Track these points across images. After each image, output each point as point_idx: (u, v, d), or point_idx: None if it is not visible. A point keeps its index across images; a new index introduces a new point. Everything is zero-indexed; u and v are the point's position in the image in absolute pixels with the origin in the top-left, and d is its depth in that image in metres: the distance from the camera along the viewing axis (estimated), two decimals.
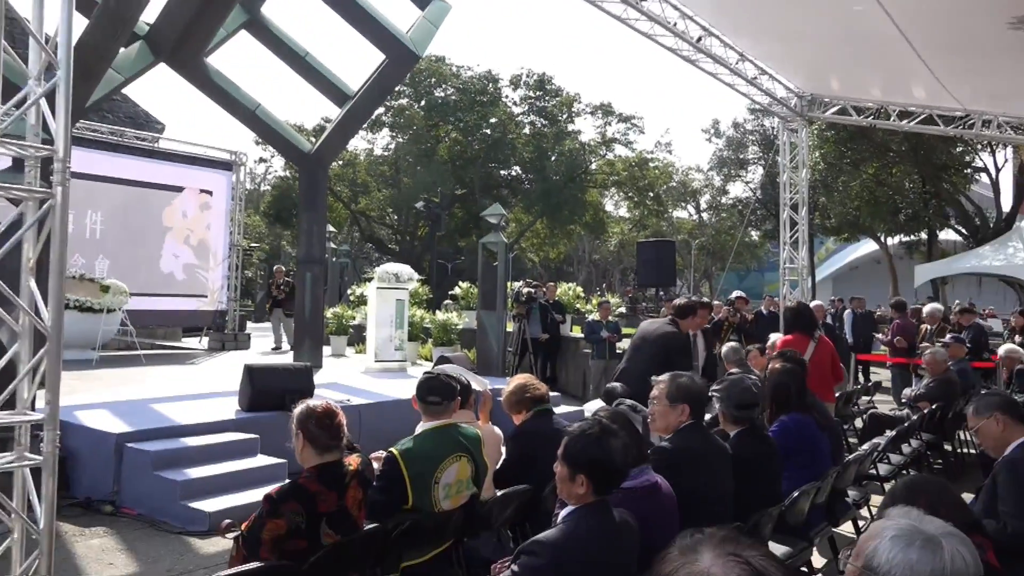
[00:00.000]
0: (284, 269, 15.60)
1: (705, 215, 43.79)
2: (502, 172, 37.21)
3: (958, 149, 23.11)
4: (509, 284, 12.32)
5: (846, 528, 5.13)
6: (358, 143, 36.99)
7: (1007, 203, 23.95)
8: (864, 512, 5.30)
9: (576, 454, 2.47)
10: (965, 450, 8.07)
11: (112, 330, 11.79)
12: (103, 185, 13.15)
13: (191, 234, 14.64)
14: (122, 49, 8.84)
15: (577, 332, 12.69)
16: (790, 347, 5.87)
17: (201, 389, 8.52)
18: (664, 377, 3.66)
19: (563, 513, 2.53)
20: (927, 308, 11.27)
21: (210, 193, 15.00)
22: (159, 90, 77.72)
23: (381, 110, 33.35)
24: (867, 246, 32.99)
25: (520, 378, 4.21)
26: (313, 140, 13.69)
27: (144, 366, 11.03)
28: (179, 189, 14.44)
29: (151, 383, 9.15)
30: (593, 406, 4.63)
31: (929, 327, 10.64)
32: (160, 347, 14.43)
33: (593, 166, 36.18)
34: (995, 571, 2.10)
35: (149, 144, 14.84)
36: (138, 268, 13.49)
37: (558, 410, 6.19)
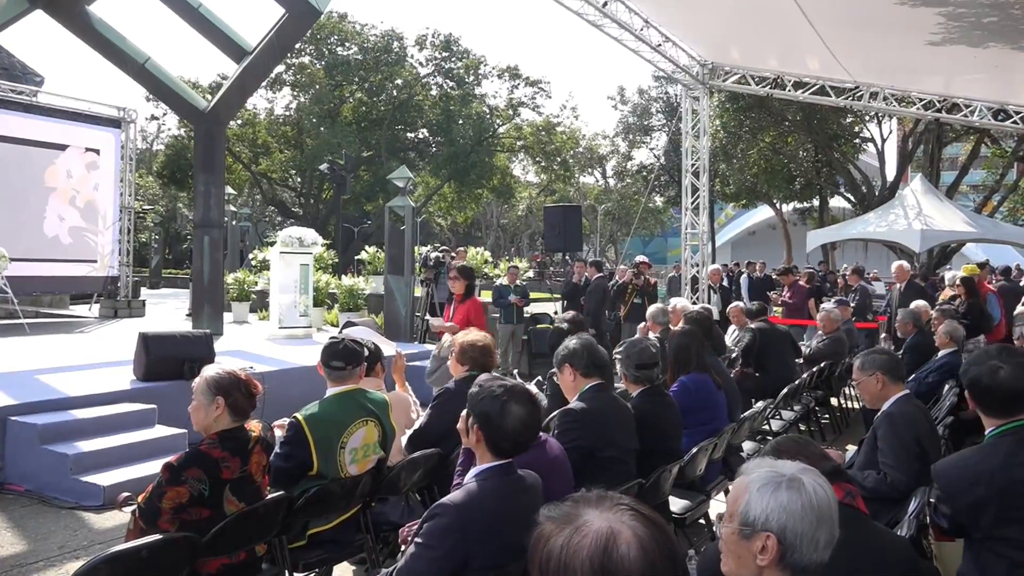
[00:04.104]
0: None
1: (611, 181, 44.48)
2: (409, 135, 36.65)
3: (848, 119, 24.20)
4: (417, 248, 12.23)
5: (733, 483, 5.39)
6: (258, 102, 35.72)
7: (891, 172, 25.33)
8: None
9: (474, 407, 2.53)
10: (850, 404, 8.60)
11: None
12: None
13: (77, 195, 13.81)
14: None
15: (486, 297, 12.74)
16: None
17: (92, 359, 8.14)
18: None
19: (470, 475, 2.57)
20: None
21: (97, 152, 14.16)
22: (36, 39, 72.38)
23: (281, 68, 32.19)
24: (764, 212, 34.27)
25: (488, 338, 4.15)
26: (209, 97, 13.10)
27: (28, 335, 10.44)
28: (62, 147, 13.57)
29: (36, 353, 8.67)
30: None
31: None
32: (46, 315, 13.67)
33: (501, 130, 36.08)
34: (863, 516, 2.27)
35: (27, 98, 13.86)
36: (18, 231, 12.64)
37: None
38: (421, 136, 36.78)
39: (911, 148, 25.16)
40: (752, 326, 7.82)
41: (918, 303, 8.13)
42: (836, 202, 28.59)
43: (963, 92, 12.54)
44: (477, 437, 2.51)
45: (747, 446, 5.38)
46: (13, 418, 5.52)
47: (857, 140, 26.23)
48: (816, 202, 28.07)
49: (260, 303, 14.25)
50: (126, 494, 3.23)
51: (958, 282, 10.03)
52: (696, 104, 14.26)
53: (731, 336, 8.74)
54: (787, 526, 1.59)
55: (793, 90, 13.28)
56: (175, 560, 2.69)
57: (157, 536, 2.66)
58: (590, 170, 45.24)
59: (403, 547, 2.74)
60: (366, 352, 3.80)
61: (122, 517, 4.36)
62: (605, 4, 10.90)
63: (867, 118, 24.69)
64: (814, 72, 12.80)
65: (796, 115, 22.56)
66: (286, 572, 3.24)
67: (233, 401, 2.99)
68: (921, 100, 12.91)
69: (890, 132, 26.75)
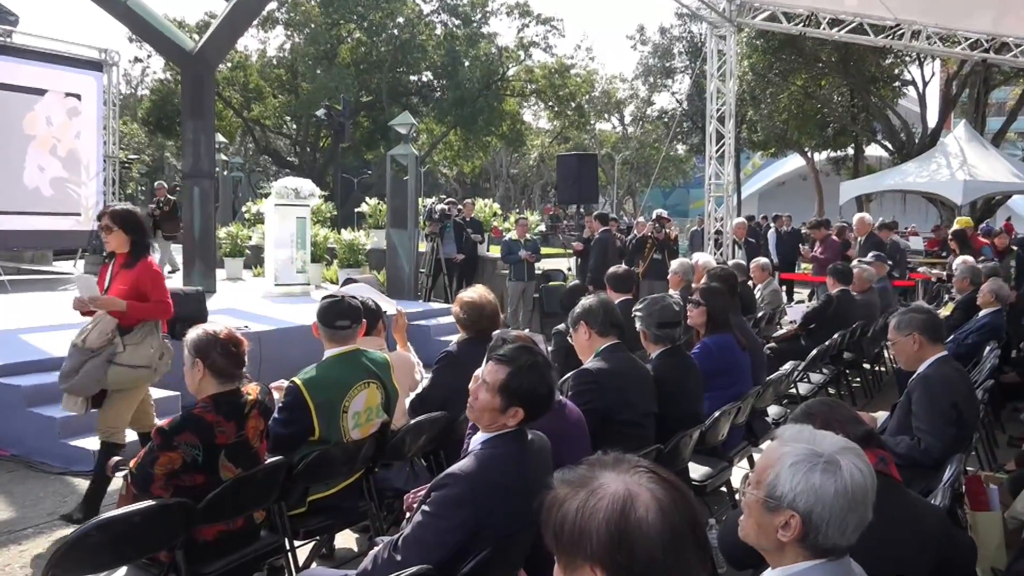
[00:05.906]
0: (167, 186, 14.92)
1: (629, 128, 44.03)
2: (411, 78, 36.27)
3: (887, 61, 23.80)
4: (421, 200, 12.20)
5: (766, 447, 5.42)
6: (249, 43, 35.45)
7: (933, 118, 24.97)
8: None
9: (518, 387, 2.46)
10: (882, 368, 8.60)
11: None
12: None
13: (58, 144, 13.80)
14: None
15: (495, 252, 12.72)
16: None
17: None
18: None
19: (477, 441, 2.58)
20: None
21: (78, 97, 14.11)
22: None
23: (274, 5, 31.86)
24: (794, 161, 33.91)
25: (491, 299, 4.11)
26: (196, 38, 12.96)
27: (9, 293, 10.52)
28: (41, 92, 13.52)
29: (19, 312, 8.74)
30: None
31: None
32: (28, 272, 13.75)
33: (510, 73, 35.67)
34: (897, 484, 2.28)
35: (1, 39, 13.76)
36: None
37: None
38: (425, 79, 36.39)
39: (955, 92, 24.75)
40: (833, 292, 7.69)
41: (968, 259, 8.08)
42: (872, 150, 28.25)
43: (1013, 31, 12.28)
44: (518, 416, 2.47)
45: (773, 410, 5.40)
46: None
47: (897, 83, 25.82)
48: (851, 150, 27.73)
49: (255, 259, 14.30)
50: (117, 458, 3.27)
51: (950, 236, 9.98)
52: (722, 44, 14.03)
53: (758, 294, 8.73)
54: (815, 509, 1.59)
55: (828, 28, 13.04)
56: (169, 526, 2.74)
57: (151, 502, 2.70)
58: (607, 116, 44.78)
59: (408, 514, 2.78)
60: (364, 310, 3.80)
61: (115, 483, 4.43)
62: None
63: (908, 59, 24.25)
64: (851, 8, 12.55)
65: (831, 56, 22.20)
66: (286, 540, 3.29)
67: (211, 363, 2.97)
68: (967, 39, 12.65)
69: (932, 74, 26.28)
